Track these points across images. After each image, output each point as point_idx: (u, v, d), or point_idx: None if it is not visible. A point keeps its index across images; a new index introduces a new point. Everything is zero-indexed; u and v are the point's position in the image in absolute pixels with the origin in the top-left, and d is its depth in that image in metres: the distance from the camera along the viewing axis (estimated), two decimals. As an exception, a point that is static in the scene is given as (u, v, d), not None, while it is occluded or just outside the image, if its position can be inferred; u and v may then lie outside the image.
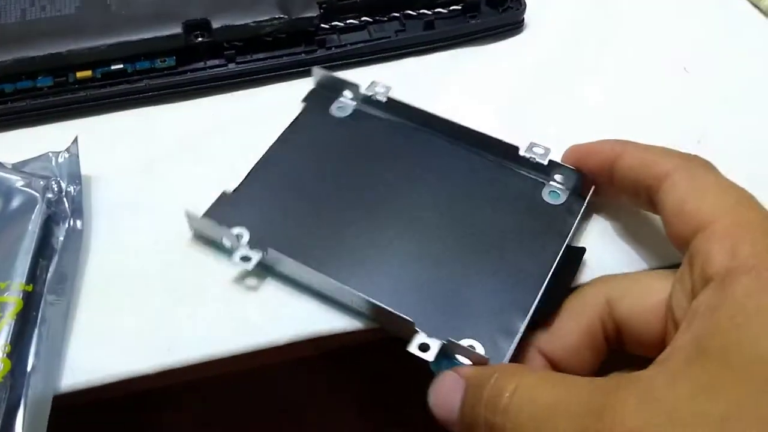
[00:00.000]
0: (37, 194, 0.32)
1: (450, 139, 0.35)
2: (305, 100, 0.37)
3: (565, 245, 0.31)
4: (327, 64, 0.37)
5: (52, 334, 0.29)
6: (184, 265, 0.31)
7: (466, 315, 0.29)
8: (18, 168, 0.34)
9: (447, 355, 0.27)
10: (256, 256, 0.30)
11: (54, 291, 0.30)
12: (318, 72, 0.36)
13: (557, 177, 0.33)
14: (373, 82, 0.36)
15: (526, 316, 0.28)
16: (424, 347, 0.27)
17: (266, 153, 0.34)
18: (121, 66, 0.36)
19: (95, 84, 0.37)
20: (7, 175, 0.33)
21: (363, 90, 0.36)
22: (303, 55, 0.38)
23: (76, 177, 0.33)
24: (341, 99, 0.36)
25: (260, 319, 0.30)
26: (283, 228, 0.32)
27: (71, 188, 0.33)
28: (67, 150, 0.34)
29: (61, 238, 0.32)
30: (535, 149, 0.33)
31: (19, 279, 0.30)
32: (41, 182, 0.33)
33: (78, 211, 0.33)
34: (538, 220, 0.32)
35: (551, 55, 0.40)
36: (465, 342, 0.28)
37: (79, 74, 0.37)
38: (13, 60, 0.36)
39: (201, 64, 0.37)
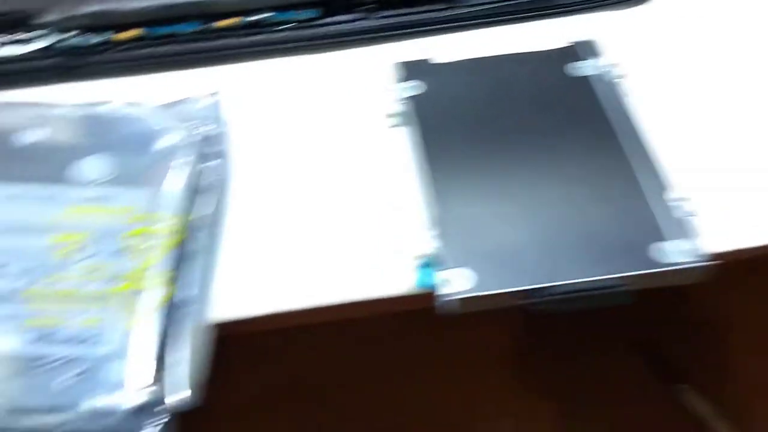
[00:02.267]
0: (184, 134, 0.33)
1: None
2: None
3: None
4: (463, 23, 0.37)
5: (206, 267, 0.30)
6: (326, 210, 0.32)
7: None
8: (163, 110, 0.34)
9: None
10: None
11: (205, 226, 0.31)
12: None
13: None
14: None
15: None
16: None
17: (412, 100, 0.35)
18: (265, 15, 0.37)
19: (238, 32, 0.37)
20: (155, 116, 0.34)
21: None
22: (440, 12, 0.38)
23: (219, 121, 0.34)
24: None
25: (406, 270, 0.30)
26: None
27: (214, 131, 0.34)
28: (210, 95, 0.35)
29: (207, 178, 0.32)
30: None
31: (174, 212, 0.31)
32: (186, 123, 0.34)
33: (221, 153, 0.33)
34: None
35: None
36: None
37: (224, 22, 0.37)
38: (158, 5, 0.37)
39: (342, 17, 0.38)
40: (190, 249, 0.30)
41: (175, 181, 0.32)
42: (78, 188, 0.31)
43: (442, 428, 0.40)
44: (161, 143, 0.33)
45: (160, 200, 0.31)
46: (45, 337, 0.27)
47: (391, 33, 0.38)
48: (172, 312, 0.28)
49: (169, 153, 0.32)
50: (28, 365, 0.26)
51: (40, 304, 0.28)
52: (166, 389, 0.26)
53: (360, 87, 0.37)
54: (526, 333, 0.36)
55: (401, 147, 0.34)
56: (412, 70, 0.36)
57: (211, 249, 0.30)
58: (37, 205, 0.31)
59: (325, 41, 0.37)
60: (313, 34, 0.37)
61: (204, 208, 0.31)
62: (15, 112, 0.33)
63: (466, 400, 0.39)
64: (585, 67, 0.35)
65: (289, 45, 0.37)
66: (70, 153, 0.32)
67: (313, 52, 0.38)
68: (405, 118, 0.35)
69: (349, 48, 0.38)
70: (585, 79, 0.35)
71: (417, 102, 0.35)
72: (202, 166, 0.33)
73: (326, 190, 0.33)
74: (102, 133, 0.33)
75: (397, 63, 0.36)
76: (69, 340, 0.27)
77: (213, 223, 0.31)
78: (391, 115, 0.36)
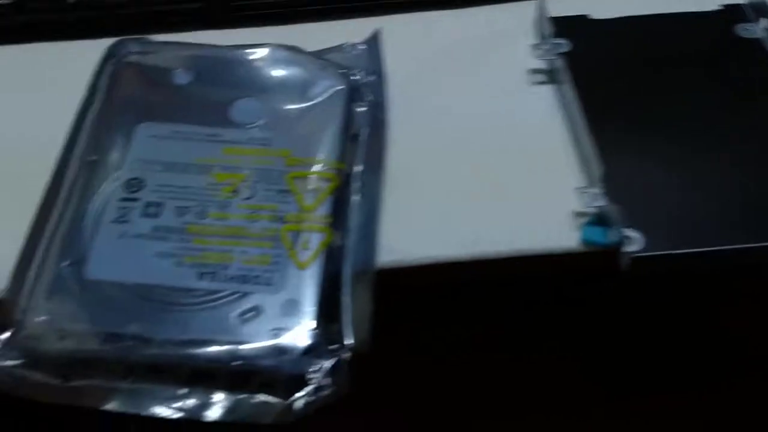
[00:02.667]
0: (341, 80, 0.33)
1: None
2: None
3: None
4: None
5: (366, 212, 0.30)
6: (478, 165, 0.31)
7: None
8: (318, 56, 0.34)
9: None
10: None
11: (362, 171, 0.31)
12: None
13: None
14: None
15: None
16: None
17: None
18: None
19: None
20: (310, 62, 0.34)
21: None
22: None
23: (374, 68, 0.34)
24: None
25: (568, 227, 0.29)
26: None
27: (370, 78, 0.34)
28: (365, 42, 0.34)
29: (364, 125, 0.32)
30: None
31: (333, 156, 0.30)
32: (342, 70, 0.33)
33: (378, 101, 0.33)
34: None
35: None
36: None
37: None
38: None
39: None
40: (348, 195, 0.30)
41: (331, 126, 0.31)
42: (235, 129, 0.31)
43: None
44: (316, 89, 0.32)
45: (317, 145, 0.31)
46: (215, 272, 0.27)
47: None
48: (334, 256, 0.28)
49: (325, 99, 0.32)
50: (202, 299, 0.27)
51: (207, 240, 0.28)
52: (332, 334, 0.27)
53: (503, 42, 0.36)
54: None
55: (549, 104, 0.34)
56: (564, 26, 0.35)
57: (370, 196, 0.30)
58: (197, 143, 0.31)
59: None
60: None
61: (361, 154, 0.31)
62: (173, 52, 0.34)
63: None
64: (755, 29, 0.34)
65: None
66: (226, 95, 0.32)
67: (458, 6, 0.37)
68: (554, 75, 0.34)
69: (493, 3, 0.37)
70: (756, 42, 0.33)
71: (570, 59, 0.34)
72: (359, 111, 0.32)
73: (477, 144, 0.32)
74: (257, 77, 0.33)
75: (548, 18, 0.35)
76: (239, 277, 0.27)
77: (371, 170, 0.31)
78: (536, 72, 0.35)
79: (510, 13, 0.37)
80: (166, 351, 0.26)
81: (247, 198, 0.29)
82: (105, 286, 0.27)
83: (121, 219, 0.29)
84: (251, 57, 0.33)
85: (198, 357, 0.26)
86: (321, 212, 0.29)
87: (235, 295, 0.27)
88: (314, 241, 0.28)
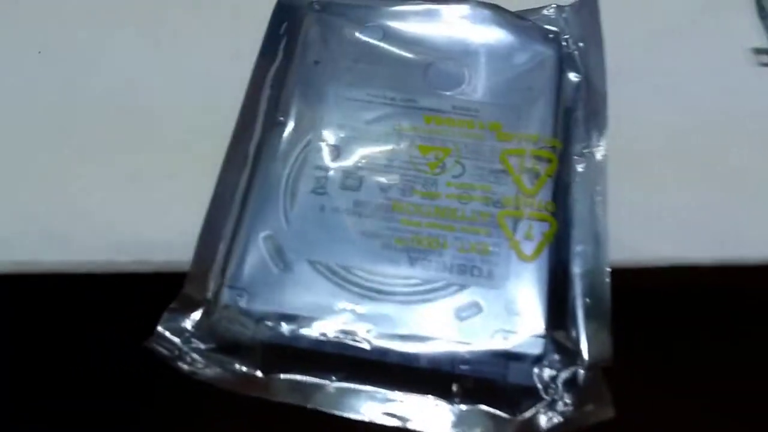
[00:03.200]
0: (551, 45, 0.29)
1: None
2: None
3: None
4: None
5: (590, 201, 0.26)
6: (722, 150, 0.27)
7: None
8: (524, 18, 0.30)
9: None
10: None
11: (581, 153, 0.27)
12: None
13: None
14: None
15: None
16: None
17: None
18: None
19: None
20: (515, 23, 0.29)
21: None
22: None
23: (588, 34, 0.30)
24: None
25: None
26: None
27: (581, 45, 0.29)
28: (577, 3, 0.30)
29: (578, 99, 0.28)
30: None
31: (548, 133, 0.27)
32: (551, 33, 0.29)
33: (594, 71, 0.29)
34: None
35: None
36: None
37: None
38: None
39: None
40: (569, 179, 0.26)
41: (542, 98, 0.28)
42: (435, 96, 0.28)
43: None
44: (523, 55, 0.29)
45: (529, 119, 0.27)
46: (429, 259, 0.24)
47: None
48: (560, 250, 0.25)
49: (533, 66, 0.28)
50: (415, 288, 0.24)
51: (416, 221, 0.25)
52: (563, 341, 0.23)
53: (724, 15, 0.31)
54: None
55: None
56: None
57: (592, 182, 0.26)
58: (395, 109, 0.27)
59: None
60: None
61: (579, 133, 0.27)
62: (361, 6, 0.30)
63: None
64: None
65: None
66: (422, 56, 0.28)
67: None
68: None
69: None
70: None
71: None
72: (573, 82, 0.29)
73: (709, 128, 0.28)
74: (455, 38, 0.29)
75: None
76: (456, 267, 0.24)
77: (590, 151, 0.27)
78: (761, 52, 0.30)
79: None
80: (378, 346, 0.23)
81: (457, 176, 0.26)
82: (306, 265, 0.24)
83: (319, 190, 0.25)
84: (449, 14, 0.30)
85: (415, 357, 0.23)
86: (542, 198, 0.25)
87: (452, 288, 0.24)
88: (537, 230, 0.25)
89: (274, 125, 0.27)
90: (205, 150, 0.27)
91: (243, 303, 0.23)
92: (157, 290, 0.25)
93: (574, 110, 0.28)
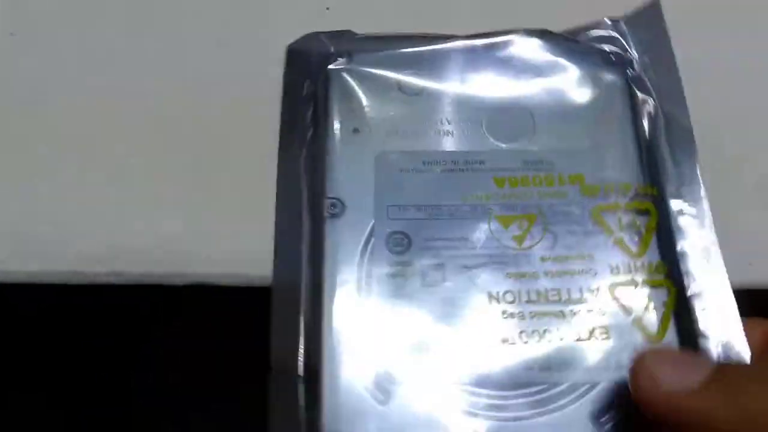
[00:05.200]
0: (617, 70, 0.25)
1: None
2: None
3: None
4: None
5: (700, 250, 0.23)
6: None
7: None
8: (575, 39, 0.26)
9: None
10: None
11: (679, 195, 0.24)
12: None
13: None
14: None
15: None
16: None
17: None
18: None
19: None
20: (572, 48, 0.26)
21: None
22: None
23: (656, 49, 0.26)
24: None
25: None
26: None
27: (648, 62, 0.26)
28: (638, 13, 0.27)
29: (657, 128, 0.25)
30: None
31: (637, 178, 0.23)
32: (615, 57, 0.26)
33: (670, 93, 0.25)
34: None
35: None
36: None
37: None
38: None
39: None
40: (672, 229, 0.23)
41: (621, 136, 0.24)
42: (500, 150, 0.24)
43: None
44: (587, 85, 0.25)
45: (612, 163, 0.24)
46: (550, 361, 0.21)
47: None
48: (683, 319, 0.22)
49: (602, 98, 0.25)
50: (539, 396, 0.20)
51: (518, 312, 0.21)
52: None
53: None
54: None
55: None
56: None
57: (696, 226, 0.23)
58: (458, 174, 0.23)
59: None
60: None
61: (669, 170, 0.24)
62: (392, 50, 0.26)
63: None
64: None
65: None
66: (475, 103, 0.25)
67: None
68: None
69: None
70: None
71: None
72: (647, 111, 0.25)
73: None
74: (508, 75, 0.25)
75: None
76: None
77: (691, 189, 0.24)
78: None
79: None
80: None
81: (550, 248, 0.23)
82: (409, 391, 0.21)
83: (398, 294, 0.22)
84: (496, 49, 0.26)
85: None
86: (650, 259, 0.22)
87: (582, 389, 0.21)
88: (657, 301, 0.22)
89: (325, 219, 0.23)
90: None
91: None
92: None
93: (658, 144, 0.25)
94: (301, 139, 0.25)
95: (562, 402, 0.20)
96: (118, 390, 0.39)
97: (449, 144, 0.24)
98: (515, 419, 0.20)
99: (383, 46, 0.26)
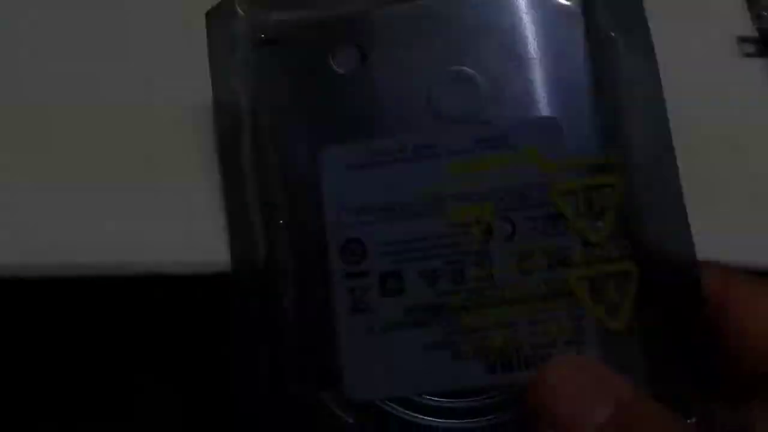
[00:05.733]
0: (572, 17, 0.23)
1: None
2: None
3: None
4: None
5: (675, 230, 0.22)
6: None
7: None
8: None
9: None
10: None
11: (647, 162, 0.22)
12: None
13: None
14: None
15: None
16: None
17: None
18: None
19: None
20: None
21: None
22: None
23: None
24: None
25: None
26: None
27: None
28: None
29: (617, 77, 0.23)
30: None
31: (601, 146, 0.22)
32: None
33: (631, 27, 0.23)
34: None
35: None
36: None
37: None
38: None
39: None
40: (639, 197, 0.22)
41: (584, 95, 0.22)
42: (451, 130, 0.22)
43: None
44: (535, 38, 0.23)
45: (572, 132, 0.22)
46: (509, 360, 0.21)
47: None
48: (651, 299, 0.21)
49: (556, 49, 0.23)
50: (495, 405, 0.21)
51: (480, 314, 0.21)
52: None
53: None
54: None
55: (756, 80, 0.26)
56: None
57: (670, 194, 0.22)
58: (409, 165, 0.22)
59: None
60: None
61: (634, 123, 0.23)
62: (325, 31, 0.23)
63: None
64: None
65: None
66: (418, 75, 0.23)
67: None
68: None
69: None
70: None
71: None
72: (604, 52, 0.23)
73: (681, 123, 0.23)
74: (445, 37, 0.23)
75: None
76: (540, 358, 0.21)
77: (659, 154, 0.22)
78: (746, 41, 0.27)
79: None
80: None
81: (508, 239, 0.22)
82: (376, 409, 0.21)
83: (360, 306, 0.22)
84: (430, 10, 0.23)
85: None
86: (614, 242, 0.22)
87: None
88: (618, 286, 0.21)
89: (277, 229, 0.22)
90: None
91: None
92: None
93: (621, 102, 0.23)
94: (236, 129, 0.23)
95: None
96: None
97: (394, 127, 0.22)
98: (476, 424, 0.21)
99: (307, 16, 0.23)
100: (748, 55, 0.27)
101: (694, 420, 0.20)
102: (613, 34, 0.23)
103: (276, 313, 0.22)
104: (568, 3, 0.23)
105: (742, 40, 0.27)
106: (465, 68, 0.23)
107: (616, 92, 0.22)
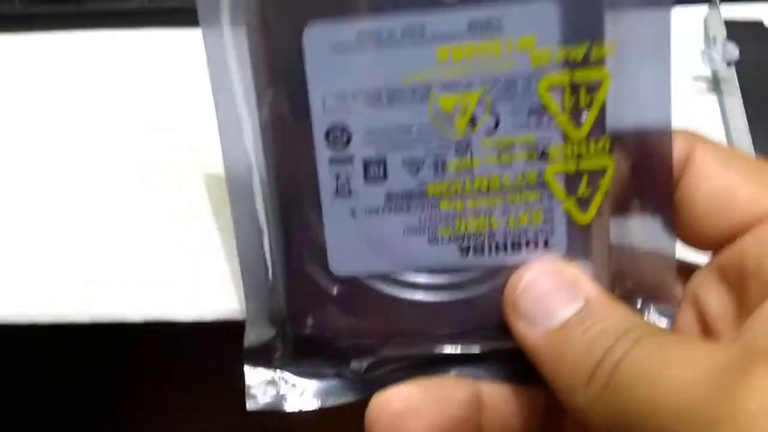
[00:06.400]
0: None
1: None
2: None
3: None
4: None
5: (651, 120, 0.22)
6: None
7: None
8: None
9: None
10: None
11: (639, 53, 0.22)
12: None
13: None
14: None
15: None
16: None
17: None
18: None
19: None
20: None
21: None
22: None
23: None
24: None
25: None
26: None
27: None
28: None
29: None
30: None
31: (597, 34, 0.21)
32: None
33: None
34: None
35: None
36: None
37: None
38: None
39: None
40: (627, 90, 0.22)
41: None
42: (443, 12, 0.21)
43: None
44: None
45: (569, 19, 0.21)
46: (481, 244, 0.23)
47: None
48: (623, 194, 0.22)
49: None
50: (470, 277, 0.23)
51: (457, 203, 0.22)
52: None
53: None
54: None
55: (712, 117, 0.31)
56: (737, 31, 0.31)
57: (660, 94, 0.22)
58: (398, 49, 0.21)
59: None
60: None
61: (632, 20, 0.21)
62: None
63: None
64: None
65: None
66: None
67: None
68: (723, 85, 0.31)
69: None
70: None
71: (742, 68, 0.30)
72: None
73: None
74: None
75: (721, 21, 0.31)
76: (510, 245, 0.23)
77: (653, 49, 0.21)
78: (701, 80, 0.32)
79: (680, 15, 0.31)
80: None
81: (491, 130, 0.22)
82: (361, 281, 0.23)
83: (343, 191, 0.22)
84: None
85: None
86: (595, 135, 0.22)
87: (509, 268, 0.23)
88: (593, 181, 0.22)
89: (266, 113, 0.22)
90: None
91: (312, 332, 0.24)
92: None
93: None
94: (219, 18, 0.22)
95: (495, 282, 0.23)
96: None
97: (383, 5, 0.21)
98: (453, 292, 0.23)
99: None
100: (703, 91, 0.31)
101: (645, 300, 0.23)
102: None
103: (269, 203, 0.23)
104: None
105: (696, 78, 0.32)
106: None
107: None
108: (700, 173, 0.22)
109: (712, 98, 0.31)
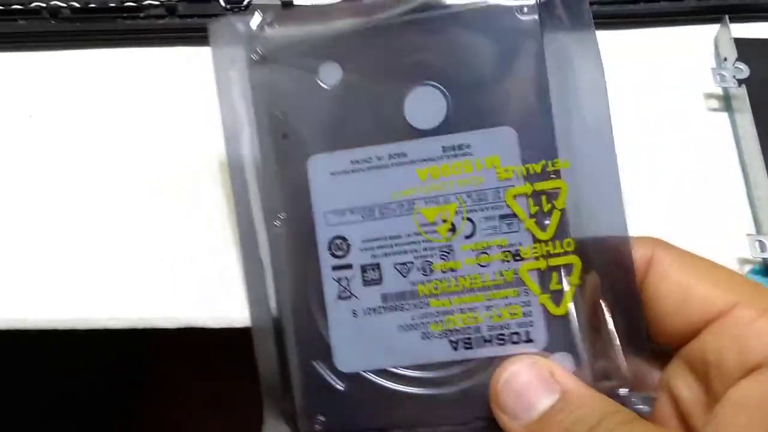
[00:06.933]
0: (530, 31, 0.25)
1: None
2: None
3: None
4: None
5: (612, 222, 0.25)
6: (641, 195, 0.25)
7: None
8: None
9: None
10: None
11: (590, 166, 0.25)
12: None
13: None
14: None
15: None
16: None
17: None
18: None
19: None
20: (477, 15, 0.25)
21: None
22: None
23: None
24: None
25: None
26: None
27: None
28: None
29: (569, 82, 0.25)
30: None
31: (552, 153, 0.25)
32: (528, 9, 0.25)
33: (582, 38, 0.25)
34: None
35: None
36: None
37: None
38: None
39: None
40: (582, 198, 0.25)
41: (532, 106, 0.25)
42: (420, 139, 0.26)
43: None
44: (503, 53, 0.25)
45: (527, 142, 0.25)
46: (469, 338, 0.25)
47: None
48: (588, 288, 0.25)
49: (517, 66, 0.25)
50: (462, 369, 0.25)
51: (444, 301, 0.25)
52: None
53: (681, 62, 0.33)
54: None
55: (724, 135, 0.32)
56: (747, 49, 0.32)
57: (606, 191, 0.25)
58: (384, 172, 0.26)
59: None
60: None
61: (582, 135, 0.25)
62: (310, 49, 0.26)
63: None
64: None
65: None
66: (391, 91, 0.26)
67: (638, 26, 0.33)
68: (734, 103, 0.32)
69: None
70: None
71: (753, 86, 0.31)
72: (568, 69, 0.25)
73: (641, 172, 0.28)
74: (430, 46, 0.25)
75: (732, 39, 0.32)
76: (496, 338, 0.25)
77: (601, 160, 0.25)
78: (713, 97, 0.33)
79: (691, 34, 0.34)
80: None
81: (469, 236, 0.25)
82: (364, 376, 0.26)
83: (344, 294, 0.26)
84: (407, 26, 0.25)
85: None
86: (559, 238, 0.25)
87: (497, 362, 0.25)
88: (562, 277, 0.25)
89: (274, 225, 0.26)
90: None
91: (322, 427, 0.26)
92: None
93: (570, 111, 0.25)
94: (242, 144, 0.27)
95: (484, 372, 0.25)
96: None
97: (372, 135, 0.26)
98: (445, 387, 0.25)
99: (297, 33, 0.26)
100: (713, 110, 0.32)
101: (627, 391, 0.25)
102: (566, 46, 0.25)
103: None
104: (526, 19, 0.25)
105: (708, 96, 0.32)
106: (432, 84, 0.25)
107: (568, 100, 0.25)
108: (660, 275, 0.24)
109: (723, 116, 0.32)
